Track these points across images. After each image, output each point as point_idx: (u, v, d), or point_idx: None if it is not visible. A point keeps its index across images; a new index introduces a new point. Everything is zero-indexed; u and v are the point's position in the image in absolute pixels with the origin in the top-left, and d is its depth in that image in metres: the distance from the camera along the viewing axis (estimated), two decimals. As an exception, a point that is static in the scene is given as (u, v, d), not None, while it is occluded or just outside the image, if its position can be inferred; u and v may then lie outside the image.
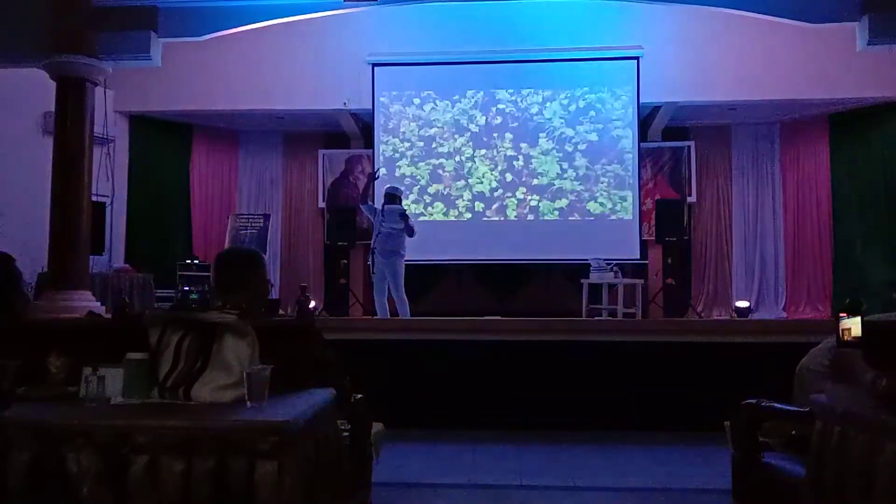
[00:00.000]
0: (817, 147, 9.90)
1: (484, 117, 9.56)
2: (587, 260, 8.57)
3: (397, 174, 9.46)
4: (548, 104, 9.49)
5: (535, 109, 9.51)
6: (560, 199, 9.44)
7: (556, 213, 9.44)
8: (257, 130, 10.58)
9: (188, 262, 9.07)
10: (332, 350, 2.62)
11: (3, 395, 2.09)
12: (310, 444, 2.02)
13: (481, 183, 9.53)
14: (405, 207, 7.64)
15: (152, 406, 2.11)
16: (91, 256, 7.20)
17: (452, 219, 9.53)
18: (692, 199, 10.03)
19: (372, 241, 7.51)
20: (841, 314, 2.66)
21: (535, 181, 9.46)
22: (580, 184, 9.42)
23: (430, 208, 9.54)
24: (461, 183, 9.55)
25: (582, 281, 8.49)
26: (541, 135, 9.49)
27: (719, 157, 10.29)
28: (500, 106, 9.55)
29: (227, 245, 9.43)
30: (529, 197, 9.47)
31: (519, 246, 9.30)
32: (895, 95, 8.67)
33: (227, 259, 2.62)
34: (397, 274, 7.30)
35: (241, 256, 2.65)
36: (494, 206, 9.50)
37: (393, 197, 7.53)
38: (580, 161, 9.43)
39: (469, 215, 9.53)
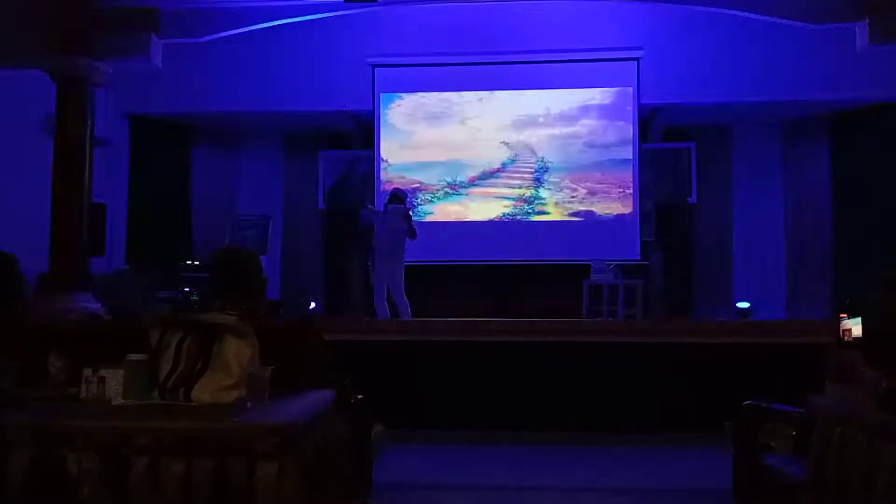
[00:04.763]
0: (818, 148, 9.88)
1: (484, 118, 9.56)
2: (588, 261, 8.57)
3: (398, 175, 9.46)
4: (548, 105, 9.49)
5: (535, 110, 9.50)
6: (560, 200, 9.44)
7: (557, 214, 9.44)
8: (257, 131, 10.57)
9: (188, 263, 9.06)
10: (332, 351, 2.62)
11: (4, 395, 2.09)
12: (310, 444, 2.02)
13: (481, 184, 9.53)
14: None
15: (153, 407, 2.11)
16: (91, 258, 7.20)
17: (453, 220, 9.53)
18: (693, 200, 10.02)
19: (373, 243, 7.52)
20: (842, 315, 2.66)
21: (535, 182, 9.46)
22: (580, 185, 9.42)
23: (430, 209, 9.54)
24: (462, 183, 9.54)
25: (582, 282, 8.48)
26: (541, 136, 9.49)
27: (720, 158, 10.27)
28: (501, 107, 9.54)
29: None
30: (529, 198, 9.46)
31: (519, 247, 9.29)
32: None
33: (223, 259, 2.63)
34: (397, 275, 7.31)
35: (237, 256, 2.65)
36: (495, 208, 9.50)
37: (396, 198, 7.54)
38: (580, 162, 9.42)
39: (469, 216, 9.53)
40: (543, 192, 9.47)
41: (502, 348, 5.69)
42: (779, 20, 6.91)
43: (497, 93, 9.54)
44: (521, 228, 9.44)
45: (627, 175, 9.35)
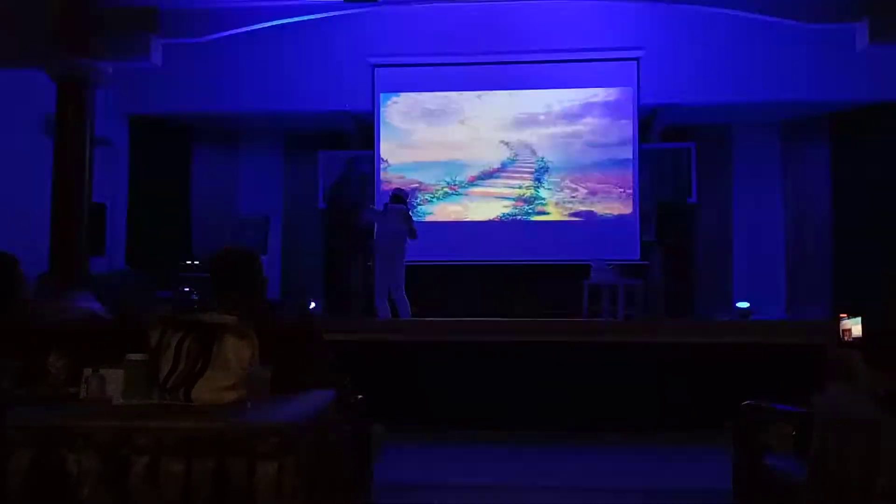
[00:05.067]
0: (818, 148, 9.88)
1: (484, 118, 9.56)
2: (588, 261, 8.57)
3: (397, 175, 9.46)
4: (547, 105, 9.49)
5: (534, 110, 9.50)
6: (560, 200, 9.44)
7: (557, 214, 9.44)
8: (257, 132, 10.57)
9: (188, 263, 9.06)
10: (332, 351, 2.62)
11: (4, 395, 2.09)
12: (310, 444, 2.02)
13: (481, 184, 9.53)
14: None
15: (152, 407, 2.10)
16: (91, 257, 7.20)
17: (453, 220, 9.53)
18: (693, 199, 10.02)
19: (373, 243, 7.52)
20: (842, 315, 2.66)
21: (535, 182, 9.46)
22: (581, 185, 9.42)
23: (429, 209, 9.54)
24: (461, 183, 9.54)
25: (582, 282, 8.49)
26: (540, 136, 9.49)
27: (720, 158, 10.27)
28: (501, 106, 9.54)
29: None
30: (529, 198, 9.46)
31: (519, 247, 9.29)
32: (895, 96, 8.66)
33: (223, 259, 2.63)
34: (398, 275, 7.31)
35: (237, 255, 2.65)
36: (494, 208, 9.50)
37: (398, 198, 7.54)
38: (580, 162, 9.42)
39: (470, 216, 9.53)
40: (543, 193, 9.46)
41: (502, 348, 5.69)
42: (779, 20, 6.91)
43: (497, 92, 9.55)
44: (521, 228, 9.44)
45: (627, 175, 9.35)
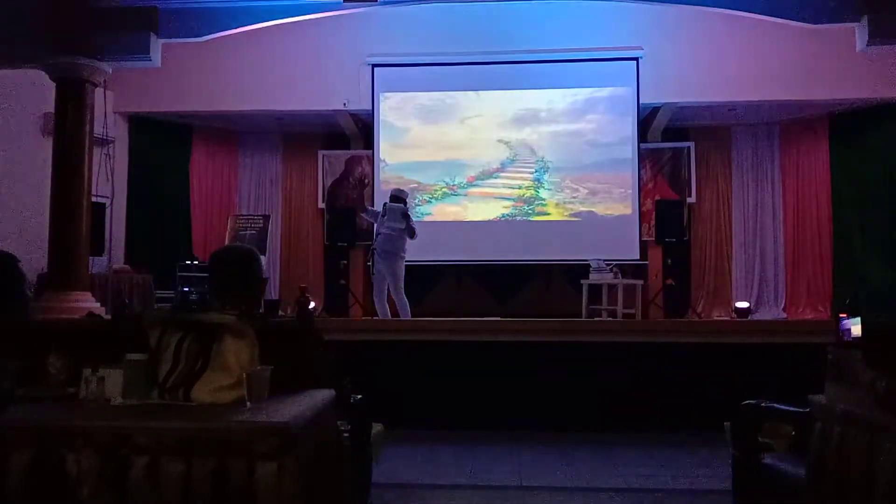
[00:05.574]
0: (817, 148, 9.89)
1: (483, 118, 9.56)
2: (587, 260, 8.57)
3: (396, 175, 9.46)
4: (547, 105, 9.49)
5: (534, 109, 9.50)
6: (561, 200, 9.44)
7: (557, 214, 9.44)
8: (257, 131, 10.57)
9: (188, 262, 9.06)
10: (332, 351, 2.62)
11: (3, 395, 2.09)
12: (310, 445, 2.02)
13: (480, 185, 9.52)
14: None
15: (152, 407, 2.10)
16: (91, 257, 7.20)
17: (452, 219, 9.52)
18: (692, 199, 10.03)
19: (373, 242, 7.52)
20: (841, 315, 2.66)
21: (534, 182, 9.46)
22: (581, 185, 9.42)
23: (429, 209, 9.53)
24: (461, 184, 9.54)
25: (581, 282, 8.49)
26: (540, 135, 9.49)
27: (719, 158, 10.29)
28: (500, 106, 9.54)
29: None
30: (529, 199, 9.46)
31: (519, 246, 9.30)
32: (895, 96, 8.66)
33: (223, 258, 2.62)
34: (397, 275, 7.30)
35: (236, 255, 2.64)
36: (494, 208, 9.50)
37: (397, 198, 7.54)
38: (580, 162, 9.42)
39: (469, 216, 9.53)
40: (544, 193, 9.46)
41: (502, 348, 5.70)
42: (778, 20, 6.91)
43: (496, 92, 9.54)
44: (521, 228, 9.44)
45: (627, 175, 9.35)
